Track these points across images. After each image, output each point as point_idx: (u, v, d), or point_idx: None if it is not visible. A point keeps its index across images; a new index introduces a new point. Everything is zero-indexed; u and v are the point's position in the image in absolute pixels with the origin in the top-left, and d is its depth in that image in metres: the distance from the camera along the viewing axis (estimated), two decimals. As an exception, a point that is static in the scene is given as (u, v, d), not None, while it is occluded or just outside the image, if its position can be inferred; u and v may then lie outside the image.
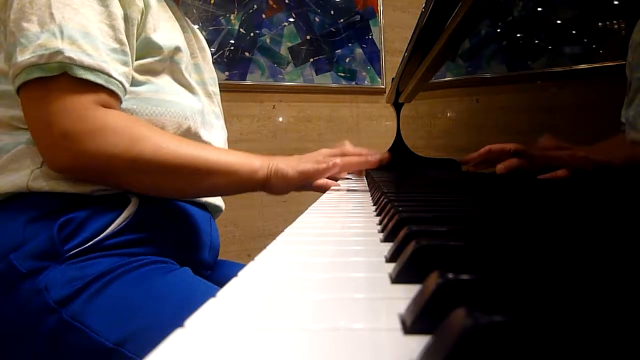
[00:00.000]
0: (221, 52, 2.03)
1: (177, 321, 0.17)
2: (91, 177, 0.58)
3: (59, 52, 0.52)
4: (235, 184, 0.61)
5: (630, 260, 0.22)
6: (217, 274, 0.77)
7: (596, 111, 0.37)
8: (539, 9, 0.51)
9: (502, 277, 0.18)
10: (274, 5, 2.12)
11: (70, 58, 0.52)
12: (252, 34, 2.08)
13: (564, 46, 0.44)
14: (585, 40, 0.39)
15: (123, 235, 0.59)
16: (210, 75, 0.84)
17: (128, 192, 0.61)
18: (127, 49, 0.60)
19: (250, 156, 0.63)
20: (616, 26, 0.35)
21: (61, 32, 0.53)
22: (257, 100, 2.10)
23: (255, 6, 2.08)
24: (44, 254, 0.53)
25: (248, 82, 2.06)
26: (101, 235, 0.57)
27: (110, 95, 0.57)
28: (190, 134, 0.67)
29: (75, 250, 0.55)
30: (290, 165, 0.64)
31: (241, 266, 0.81)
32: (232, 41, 2.05)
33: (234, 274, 0.25)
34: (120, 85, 0.58)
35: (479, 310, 0.13)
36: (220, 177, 0.59)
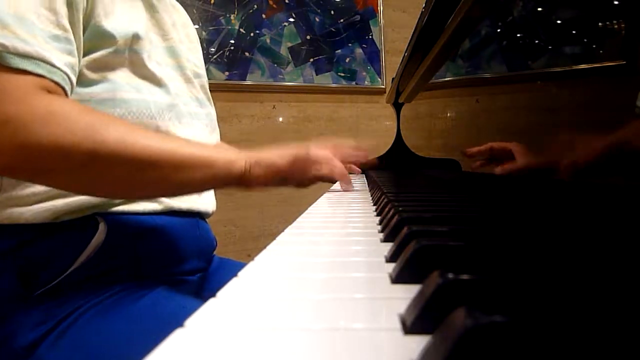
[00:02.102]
0: (221, 52, 2.03)
1: (149, 349, 0.16)
2: (39, 175, 0.47)
3: None
4: (210, 177, 0.53)
5: (631, 260, 0.22)
6: (218, 274, 0.76)
7: (596, 111, 0.37)
8: (539, 9, 0.51)
9: (502, 277, 0.18)
10: (274, 5, 2.12)
11: (1, 45, 0.44)
12: (252, 34, 2.07)
13: (564, 46, 0.44)
14: (585, 40, 0.39)
15: (91, 268, 0.54)
16: (194, 55, 0.76)
17: (97, 214, 0.55)
18: (72, 37, 0.51)
19: (225, 148, 0.57)
20: (616, 26, 0.35)
21: None
22: (257, 100, 2.10)
23: (255, 6, 2.08)
24: (8, 299, 0.50)
25: (248, 82, 2.06)
26: (67, 272, 0.52)
27: (56, 88, 0.48)
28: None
29: (41, 290, 0.51)
30: (276, 153, 0.59)
31: (241, 266, 0.80)
32: (232, 41, 2.04)
33: (234, 274, 0.25)
34: (66, 77, 0.49)
35: (479, 310, 0.13)
36: (194, 171, 0.51)
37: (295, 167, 0.61)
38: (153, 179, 0.50)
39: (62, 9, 0.50)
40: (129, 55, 0.59)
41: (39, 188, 0.53)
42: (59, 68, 0.48)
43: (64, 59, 0.49)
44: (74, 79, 0.51)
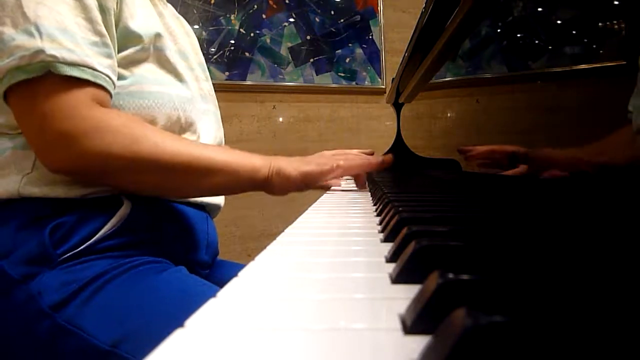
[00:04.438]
0: (221, 52, 2.03)
1: (172, 319, 0.17)
2: (90, 178, 0.57)
3: (40, 51, 0.50)
4: (235, 183, 0.60)
5: (630, 260, 0.22)
6: (217, 274, 0.76)
7: (596, 111, 0.37)
8: (539, 9, 0.51)
9: (502, 277, 0.18)
10: (274, 5, 2.12)
11: (52, 56, 0.51)
12: (252, 34, 2.07)
13: (564, 46, 0.44)
14: (585, 40, 0.39)
15: (116, 238, 0.58)
16: (198, 60, 0.82)
17: (122, 193, 0.61)
18: (109, 41, 0.58)
19: (251, 155, 0.62)
20: (616, 26, 0.35)
21: (39, 31, 0.51)
22: (258, 100, 2.10)
23: (255, 6, 2.08)
24: (36, 260, 0.53)
25: (248, 82, 2.06)
26: (93, 239, 0.56)
27: (99, 91, 0.55)
28: (181, 124, 0.66)
29: (67, 255, 0.54)
30: (292, 166, 0.63)
31: (241, 266, 0.81)
32: (232, 41, 2.04)
33: (234, 274, 0.25)
34: (108, 79, 0.56)
35: (479, 310, 0.13)
36: (220, 177, 0.58)
37: (306, 182, 0.65)
38: (183, 184, 0.59)
39: (97, 16, 0.57)
40: (153, 51, 0.65)
41: None
42: (100, 72, 0.55)
43: (104, 62, 0.56)
44: (115, 79, 0.58)
